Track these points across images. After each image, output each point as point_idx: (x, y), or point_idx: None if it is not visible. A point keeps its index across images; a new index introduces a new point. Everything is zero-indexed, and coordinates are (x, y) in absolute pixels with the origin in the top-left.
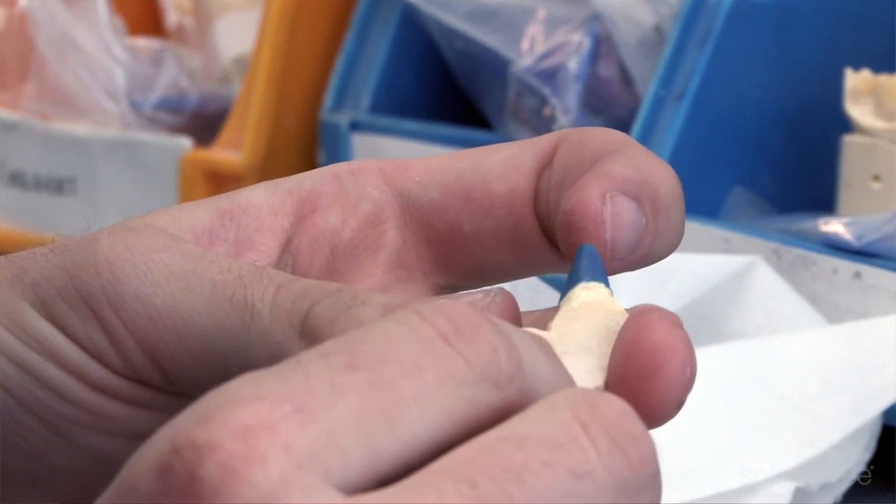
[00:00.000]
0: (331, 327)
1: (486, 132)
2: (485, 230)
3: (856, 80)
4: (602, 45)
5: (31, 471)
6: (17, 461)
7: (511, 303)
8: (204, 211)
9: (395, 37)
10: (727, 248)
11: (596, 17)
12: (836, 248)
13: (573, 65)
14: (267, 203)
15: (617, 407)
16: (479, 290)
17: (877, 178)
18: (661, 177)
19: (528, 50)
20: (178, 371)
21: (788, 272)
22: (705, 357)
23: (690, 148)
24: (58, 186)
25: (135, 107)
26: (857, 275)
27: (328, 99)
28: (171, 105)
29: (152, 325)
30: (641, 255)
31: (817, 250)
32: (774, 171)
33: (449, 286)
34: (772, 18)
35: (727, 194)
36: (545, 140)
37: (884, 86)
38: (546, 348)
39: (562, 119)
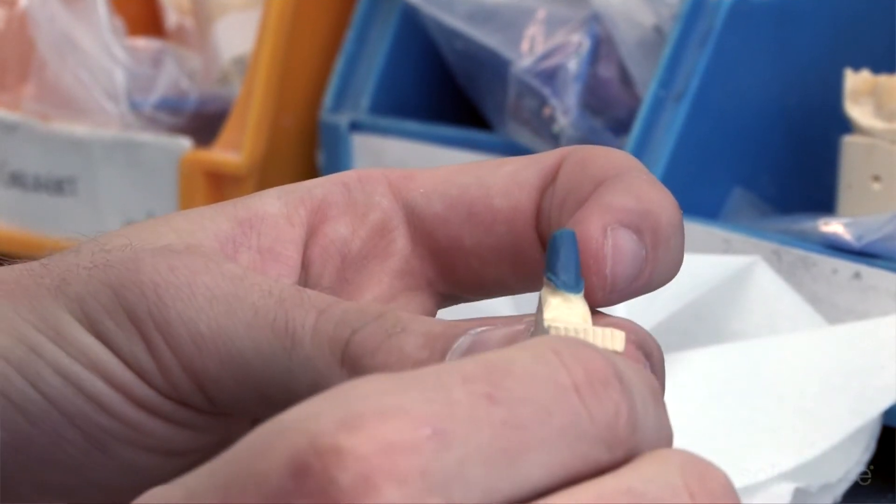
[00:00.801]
0: (372, 357)
1: (486, 133)
2: (485, 245)
3: (855, 80)
4: (602, 46)
5: (67, 483)
6: (54, 474)
7: None
8: (223, 218)
9: (395, 37)
10: (727, 249)
11: (596, 18)
12: (836, 248)
13: (573, 65)
14: (282, 213)
15: (722, 482)
16: (517, 317)
17: (876, 178)
18: (662, 206)
19: (527, 50)
20: (220, 394)
21: (788, 273)
22: (705, 358)
23: (690, 148)
24: (58, 187)
25: (134, 107)
26: (857, 275)
27: (328, 99)
28: (170, 105)
29: (197, 351)
30: (640, 287)
31: (817, 251)
32: (774, 171)
33: (451, 296)
34: (771, 19)
35: (727, 195)
36: (549, 157)
37: (883, 86)
38: (657, 395)
39: (562, 119)
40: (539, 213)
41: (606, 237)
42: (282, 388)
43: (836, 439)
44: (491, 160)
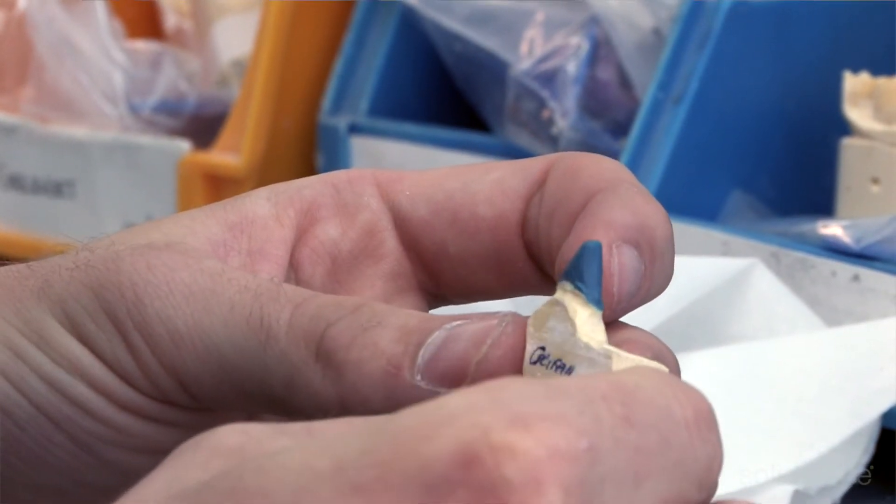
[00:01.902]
0: (346, 351)
1: (485, 135)
2: (469, 252)
3: (854, 82)
4: (601, 48)
5: (59, 485)
6: (47, 476)
7: (521, 333)
8: (214, 222)
9: (394, 40)
10: (726, 251)
11: (594, 20)
12: (835, 250)
13: (572, 68)
14: (271, 214)
15: None
16: (492, 313)
17: (875, 180)
18: (657, 221)
19: (526, 53)
20: (201, 391)
21: (787, 275)
22: (704, 360)
23: (689, 151)
24: (56, 189)
25: (133, 109)
26: (856, 278)
27: (327, 102)
28: (169, 108)
29: (175, 348)
30: (637, 301)
31: (816, 253)
32: (773, 173)
33: (442, 297)
34: (771, 21)
35: (726, 197)
36: (536, 164)
37: (882, 88)
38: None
39: (560, 122)
40: (525, 221)
41: (612, 255)
42: (258, 382)
43: (835, 441)
44: (480, 164)
